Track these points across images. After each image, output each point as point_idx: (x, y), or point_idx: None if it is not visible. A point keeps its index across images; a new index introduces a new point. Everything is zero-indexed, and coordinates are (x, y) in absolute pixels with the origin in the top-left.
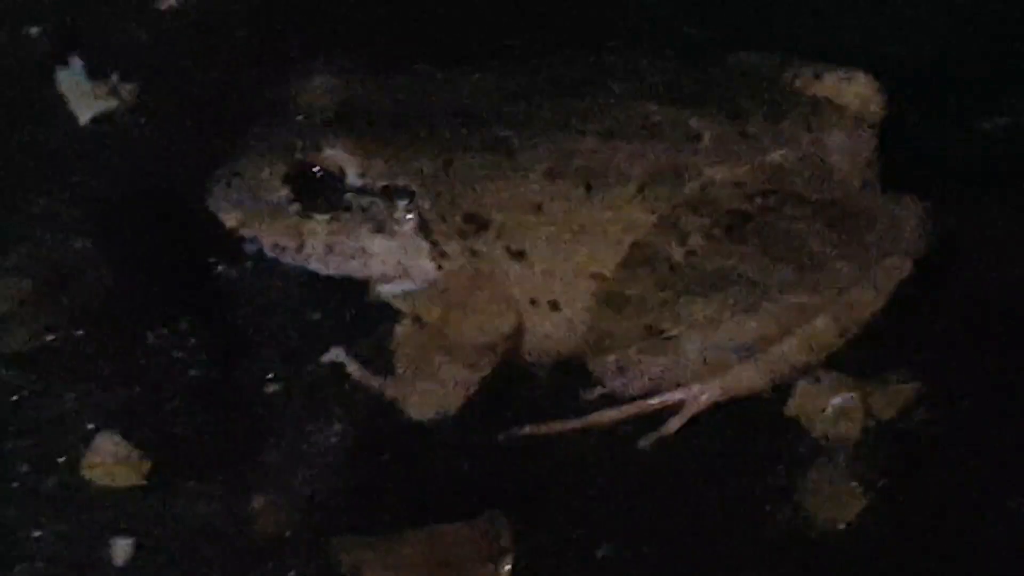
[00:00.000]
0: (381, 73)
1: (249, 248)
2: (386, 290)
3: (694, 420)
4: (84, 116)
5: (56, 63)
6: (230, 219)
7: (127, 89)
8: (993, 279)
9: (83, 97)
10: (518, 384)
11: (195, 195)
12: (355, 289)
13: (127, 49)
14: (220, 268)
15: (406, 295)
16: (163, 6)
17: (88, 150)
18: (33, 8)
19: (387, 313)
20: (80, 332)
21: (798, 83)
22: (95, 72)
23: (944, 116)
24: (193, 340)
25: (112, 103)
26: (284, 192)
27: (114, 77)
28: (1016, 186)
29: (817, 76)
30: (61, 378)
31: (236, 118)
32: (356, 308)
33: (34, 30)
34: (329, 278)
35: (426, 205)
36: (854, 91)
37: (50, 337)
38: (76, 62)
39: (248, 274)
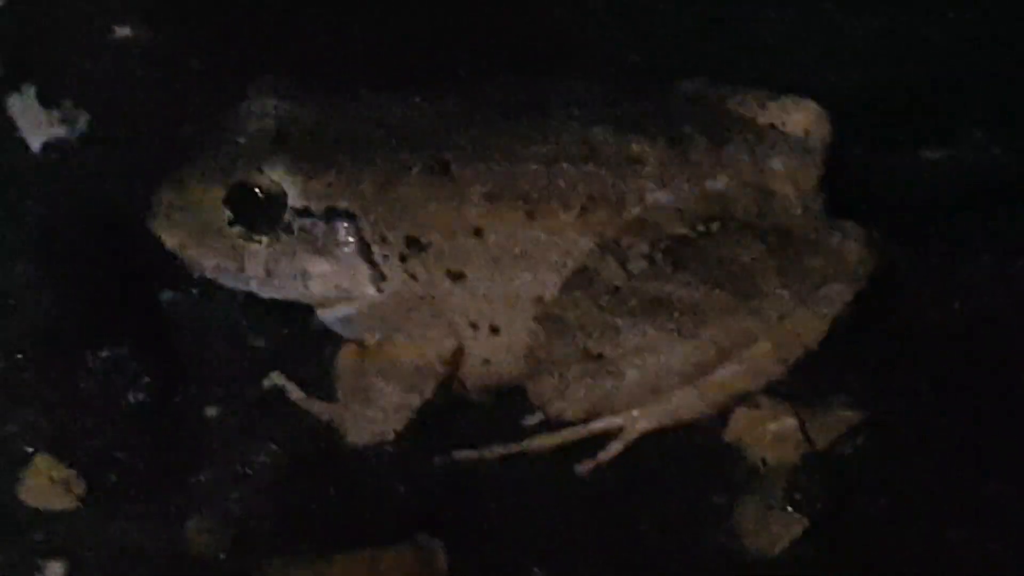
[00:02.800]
0: (323, 96)
1: (193, 272)
2: (327, 315)
3: (632, 445)
4: (35, 143)
5: (8, 90)
6: (171, 240)
7: (79, 116)
8: (934, 308)
9: (34, 124)
10: (456, 408)
11: (141, 221)
12: (297, 315)
13: (80, 77)
14: (164, 293)
15: (346, 319)
16: (117, 35)
17: (37, 176)
18: None
19: (329, 338)
20: (20, 356)
21: (743, 110)
22: (48, 99)
23: (889, 145)
24: (134, 364)
25: (63, 130)
26: (225, 213)
27: (66, 104)
28: (958, 215)
29: (762, 103)
30: (1, 401)
31: (186, 146)
32: (298, 333)
33: None
34: (272, 304)
35: (366, 227)
36: (799, 118)
37: None
38: (28, 89)
39: (192, 300)
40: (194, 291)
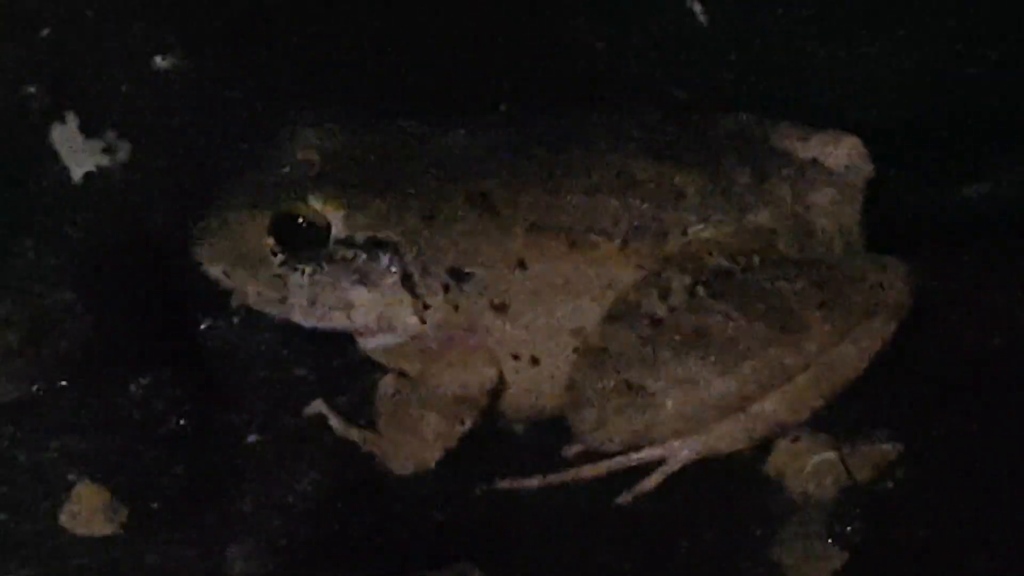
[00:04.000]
0: (367, 127)
1: (235, 300)
2: (369, 344)
3: (672, 476)
4: (77, 172)
5: (51, 120)
6: (214, 269)
7: (121, 146)
8: (973, 341)
9: (77, 153)
10: (497, 438)
11: (183, 250)
12: (339, 343)
13: (122, 106)
14: (206, 321)
15: (388, 349)
16: (159, 65)
17: (79, 205)
18: (31, 66)
19: (370, 367)
20: (63, 382)
21: (784, 144)
22: (90, 129)
23: (929, 180)
24: (175, 391)
25: (105, 159)
26: (269, 243)
27: (109, 134)
28: (997, 249)
29: (803, 137)
30: (43, 427)
31: (229, 175)
32: (339, 362)
33: (31, 88)
34: (313, 333)
35: (409, 258)
36: (840, 153)
37: (34, 387)
38: (71, 119)
39: (233, 327)
40: (235, 319)
